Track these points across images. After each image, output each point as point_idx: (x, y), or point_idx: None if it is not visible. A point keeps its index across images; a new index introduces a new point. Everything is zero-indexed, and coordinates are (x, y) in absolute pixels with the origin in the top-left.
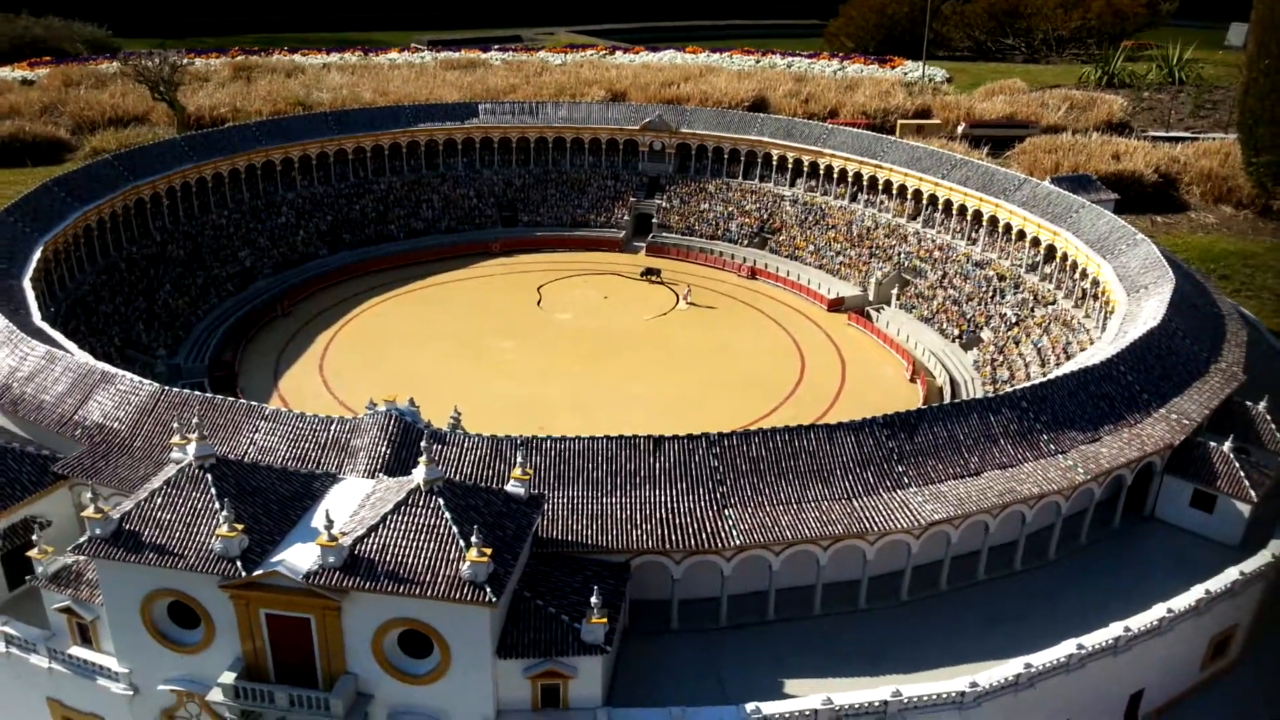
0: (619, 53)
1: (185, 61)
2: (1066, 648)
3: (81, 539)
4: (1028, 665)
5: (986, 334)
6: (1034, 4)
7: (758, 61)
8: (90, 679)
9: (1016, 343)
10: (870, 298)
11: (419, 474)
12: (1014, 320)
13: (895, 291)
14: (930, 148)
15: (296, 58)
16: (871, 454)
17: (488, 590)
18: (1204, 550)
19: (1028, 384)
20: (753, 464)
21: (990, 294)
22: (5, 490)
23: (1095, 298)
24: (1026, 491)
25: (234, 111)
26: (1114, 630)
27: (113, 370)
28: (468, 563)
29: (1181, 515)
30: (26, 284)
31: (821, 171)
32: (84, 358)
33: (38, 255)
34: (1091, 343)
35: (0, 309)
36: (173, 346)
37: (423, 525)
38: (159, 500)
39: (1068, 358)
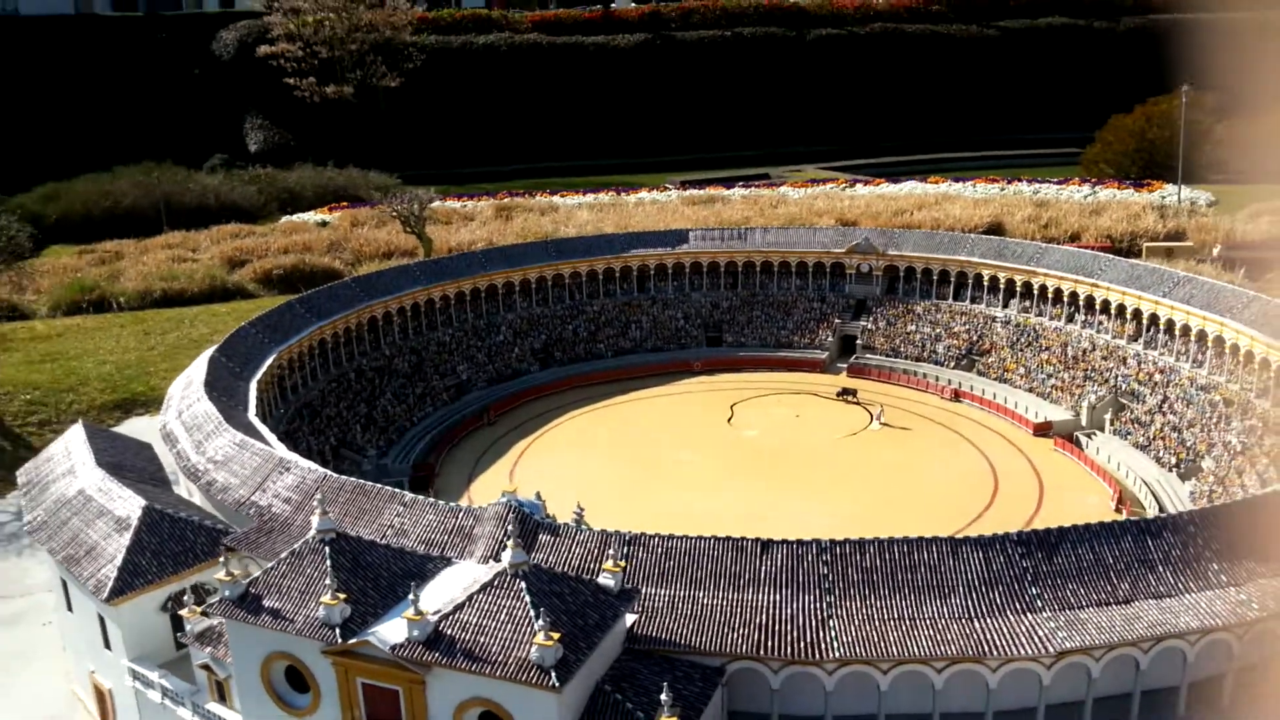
0: (858, 185)
1: (434, 200)
2: None
3: (213, 599)
4: None
5: (1207, 463)
6: None
7: (1002, 189)
8: None
9: (1240, 473)
10: (1082, 422)
11: (506, 557)
12: (1239, 449)
13: (1109, 416)
14: (1150, 264)
15: (555, 199)
16: (1001, 573)
17: (553, 675)
18: None
19: (1197, 508)
20: (865, 574)
21: (1215, 420)
22: (180, 557)
23: None
24: (1184, 624)
25: (487, 244)
26: None
27: (290, 458)
28: (535, 646)
29: None
30: (252, 385)
31: (1035, 291)
32: (277, 448)
33: (269, 361)
34: None
35: (220, 404)
36: (383, 448)
37: (503, 607)
38: (283, 569)
39: None
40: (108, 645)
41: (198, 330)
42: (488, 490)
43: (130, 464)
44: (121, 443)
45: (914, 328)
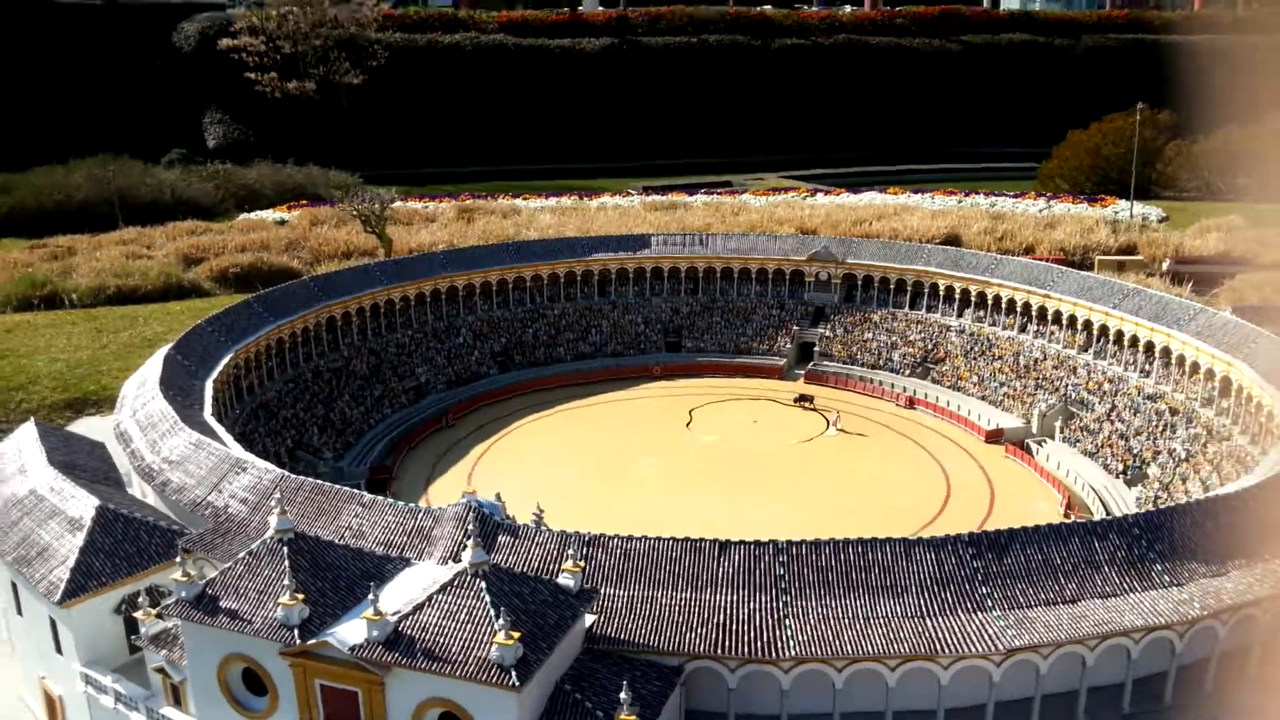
0: (819, 195)
1: (395, 200)
2: None
3: (168, 600)
4: None
5: (1153, 470)
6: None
7: (959, 201)
8: None
9: (1184, 479)
10: (1033, 429)
11: (466, 557)
12: (1184, 456)
13: (1059, 424)
14: (1101, 277)
15: (518, 202)
16: (953, 573)
17: (513, 674)
18: None
19: (1142, 511)
20: (820, 574)
21: (1161, 428)
22: (135, 558)
23: (1271, 433)
24: (1129, 623)
25: (448, 246)
26: None
27: (246, 458)
28: (495, 645)
29: None
30: (208, 385)
31: (990, 302)
32: (233, 449)
33: (225, 360)
34: None
35: (176, 404)
36: (340, 451)
37: (463, 607)
38: (240, 569)
39: None
40: (59, 649)
41: (151, 329)
42: (446, 493)
43: (83, 464)
44: (74, 442)
45: (871, 335)
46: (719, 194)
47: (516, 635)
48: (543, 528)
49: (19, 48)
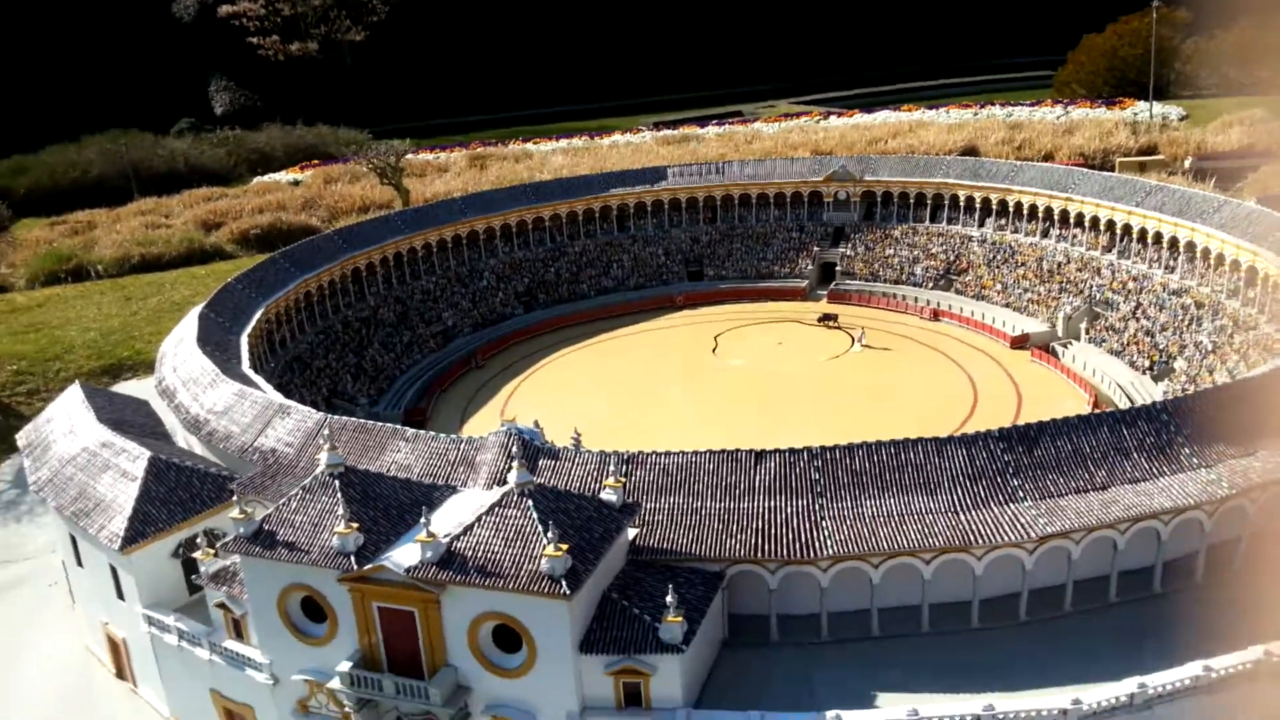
0: (832, 117)
1: (410, 152)
2: (1192, 669)
3: (228, 538)
4: (1142, 685)
5: (1180, 364)
6: None
7: (975, 114)
8: (241, 670)
9: (1211, 371)
10: (1058, 333)
11: (512, 478)
12: (1210, 348)
13: (1085, 326)
14: (1123, 176)
15: (529, 146)
16: (985, 468)
17: (563, 584)
18: None
19: (1172, 396)
20: (854, 477)
21: (1187, 322)
22: (189, 504)
23: None
24: (1158, 505)
25: (464, 195)
26: (1253, 653)
27: (289, 403)
28: (545, 558)
29: None
30: (243, 339)
31: (1011, 209)
32: (273, 395)
33: (258, 315)
34: None
35: (215, 358)
36: (375, 397)
37: (512, 524)
38: (294, 504)
39: None
40: (120, 595)
41: (179, 293)
42: (481, 429)
43: (130, 420)
44: (119, 401)
45: (892, 251)
46: (730, 124)
47: (565, 548)
48: (582, 450)
49: (21, 29)
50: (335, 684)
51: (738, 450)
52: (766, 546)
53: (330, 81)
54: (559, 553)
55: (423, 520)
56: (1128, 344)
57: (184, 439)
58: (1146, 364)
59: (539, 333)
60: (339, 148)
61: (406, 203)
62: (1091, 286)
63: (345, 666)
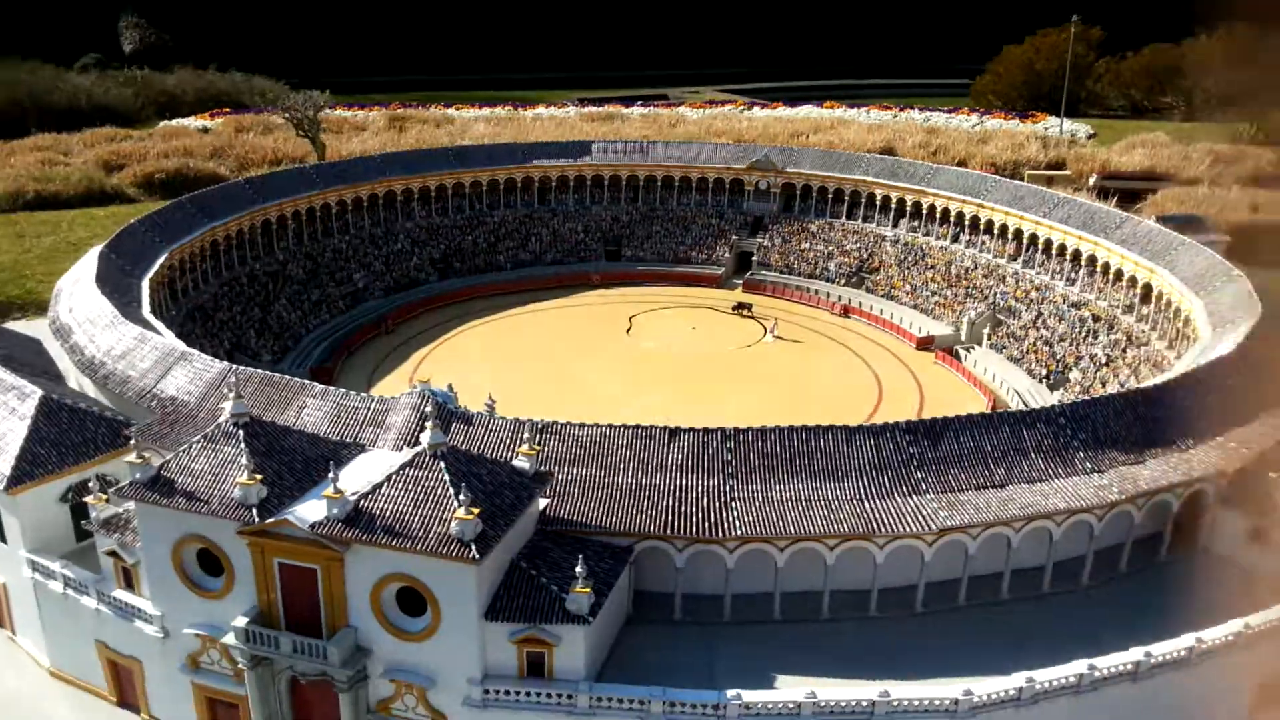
0: (756, 108)
1: (328, 106)
2: (1076, 667)
3: (122, 483)
4: (1030, 680)
5: (1075, 374)
6: (1195, 60)
7: (894, 116)
8: (129, 621)
9: (1104, 383)
10: (961, 337)
11: (425, 438)
12: (1104, 360)
13: (987, 331)
14: (1033, 186)
15: (450, 111)
16: (890, 459)
17: (473, 548)
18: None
19: (1069, 401)
20: (766, 460)
21: (1083, 334)
22: (81, 448)
23: (1187, 337)
24: (1052, 506)
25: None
26: (1134, 655)
27: (190, 350)
28: (455, 521)
29: (1235, 550)
30: (144, 283)
31: (925, 212)
32: (175, 342)
33: (161, 260)
34: None
35: (114, 301)
36: (279, 354)
37: (423, 485)
38: (195, 452)
39: None
40: (3, 538)
41: (76, 234)
42: (390, 394)
43: (20, 357)
44: (8, 336)
45: (808, 245)
46: (656, 106)
47: (476, 511)
48: (495, 416)
49: None
50: (230, 639)
51: (651, 426)
52: (676, 523)
53: (247, 27)
54: (470, 516)
55: (330, 476)
56: (1027, 352)
57: (76, 381)
58: (1044, 372)
59: (452, 301)
60: (252, 97)
61: (322, 158)
62: (996, 293)
63: (241, 622)
